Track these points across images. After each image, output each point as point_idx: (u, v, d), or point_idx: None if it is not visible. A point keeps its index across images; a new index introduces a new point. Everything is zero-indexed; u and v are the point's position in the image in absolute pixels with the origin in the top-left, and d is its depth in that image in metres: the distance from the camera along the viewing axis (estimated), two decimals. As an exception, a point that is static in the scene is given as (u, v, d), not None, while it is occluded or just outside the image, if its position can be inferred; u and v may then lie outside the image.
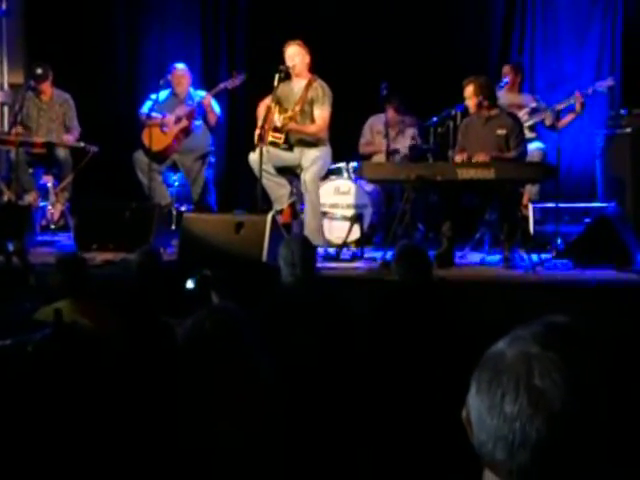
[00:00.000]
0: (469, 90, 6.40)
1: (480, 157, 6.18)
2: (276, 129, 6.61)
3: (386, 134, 7.44)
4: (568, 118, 7.20)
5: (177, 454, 2.31)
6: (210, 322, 2.74)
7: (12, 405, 2.20)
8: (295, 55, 6.65)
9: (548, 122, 7.27)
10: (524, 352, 1.03)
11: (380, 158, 7.74)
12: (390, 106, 7.60)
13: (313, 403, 3.34)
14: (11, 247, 5.36)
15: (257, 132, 6.52)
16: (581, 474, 1.01)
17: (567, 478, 1.01)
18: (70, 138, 7.71)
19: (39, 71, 7.69)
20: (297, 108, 6.62)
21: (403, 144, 7.77)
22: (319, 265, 5.97)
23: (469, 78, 6.45)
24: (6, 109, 8.80)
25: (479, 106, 6.40)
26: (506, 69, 7.73)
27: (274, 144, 6.63)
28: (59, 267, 4.25)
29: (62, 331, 2.56)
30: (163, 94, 7.72)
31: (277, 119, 6.60)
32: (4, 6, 9.02)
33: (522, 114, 7.27)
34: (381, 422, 3.37)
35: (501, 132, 6.38)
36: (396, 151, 7.71)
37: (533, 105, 7.43)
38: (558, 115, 7.02)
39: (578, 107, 7.07)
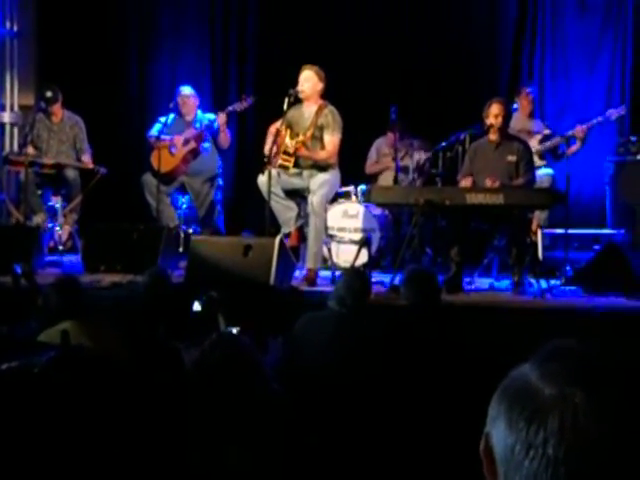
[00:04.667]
0: (498, 108, 6.35)
1: (490, 185, 6.16)
2: (286, 152, 6.61)
3: (394, 156, 7.41)
4: (572, 148, 7.17)
5: (185, 477, 2.29)
6: (220, 352, 2.72)
7: (18, 427, 2.17)
8: (306, 80, 6.65)
9: (556, 151, 7.28)
10: (565, 392, 0.98)
11: (387, 176, 7.70)
12: (392, 129, 7.55)
13: (326, 429, 3.32)
14: (19, 269, 5.35)
15: (266, 154, 6.52)
16: None
17: None
18: (88, 160, 7.73)
19: (49, 94, 7.70)
20: (309, 133, 6.62)
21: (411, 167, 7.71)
22: (319, 289, 6.01)
23: (497, 97, 6.46)
24: (16, 130, 8.82)
25: (499, 128, 6.37)
26: (519, 93, 7.69)
27: (284, 167, 6.62)
28: (54, 289, 4.24)
29: (69, 354, 2.54)
30: (172, 117, 7.73)
31: (289, 143, 6.60)
32: (15, 28, 9.09)
33: (534, 141, 7.24)
34: (390, 446, 3.34)
35: (511, 158, 6.35)
36: (405, 168, 7.63)
37: (547, 132, 7.35)
38: (568, 143, 7.02)
39: (579, 143, 7.08)
